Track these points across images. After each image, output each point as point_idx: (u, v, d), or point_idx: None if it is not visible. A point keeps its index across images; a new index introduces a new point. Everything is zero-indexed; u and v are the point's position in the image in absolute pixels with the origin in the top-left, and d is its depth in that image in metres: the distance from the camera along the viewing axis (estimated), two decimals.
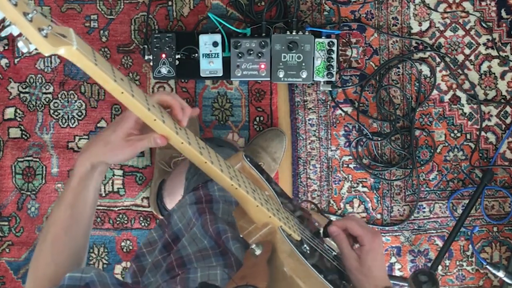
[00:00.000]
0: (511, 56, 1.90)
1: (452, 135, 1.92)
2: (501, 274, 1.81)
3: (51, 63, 1.89)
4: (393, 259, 1.94)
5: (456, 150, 1.92)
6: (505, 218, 1.93)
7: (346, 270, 1.03)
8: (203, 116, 1.90)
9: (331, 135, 1.91)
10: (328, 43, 1.79)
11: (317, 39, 1.79)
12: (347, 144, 1.91)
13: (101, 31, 1.88)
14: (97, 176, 0.94)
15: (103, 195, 1.90)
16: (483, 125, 1.91)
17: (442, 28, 1.90)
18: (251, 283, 0.81)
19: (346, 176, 1.92)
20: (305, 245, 0.97)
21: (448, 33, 1.90)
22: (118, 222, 1.91)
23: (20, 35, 0.74)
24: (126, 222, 1.91)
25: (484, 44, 1.90)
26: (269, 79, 1.80)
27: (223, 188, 0.94)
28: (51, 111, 1.90)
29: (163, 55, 1.77)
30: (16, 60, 1.89)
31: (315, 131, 1.91)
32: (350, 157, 1.91)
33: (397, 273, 1.95)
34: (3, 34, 0.75)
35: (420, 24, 1.90)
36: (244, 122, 1.90)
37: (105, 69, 0.81)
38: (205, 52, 1.76)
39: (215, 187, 1.16)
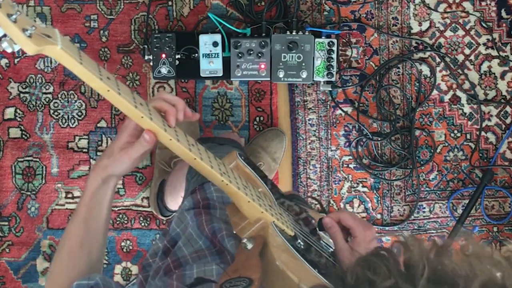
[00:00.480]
0: (511, 56, 1.90)
1: (452, 135, 1.92)
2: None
3: (51, 63, 1.89)
4: None
5: (456, 150, 1.92)
6: (505, 218, 1.93)
7: (340, 263, 1.03)
8: (203, 116, 1.90)
9: (331, 135, 1.91)
10: (328, 43, 1.79)
11: (317, 39, 1.79)
12: (347, 144, 1.91)
13: (101, 31, 1.88)
14: (109, 190, 0.96)
15: None
16: (483, 125, 1.91)
17: (442, 28, 1.90)
18: (244, 275, 0.81)
19: (346, 176, 1.92)
20: (299, 241, 0.97)
21: (448, 33, 1.90)
22: (118, 222, 1.91)
23: (5, 35, 0.76)
24: (126, 222, 1.91)
25: (484, 44, 1.90)
26: (269, 79, 1.80)
27: (216, 185, 0.95)
28: (51, 111, 1.90)
29: (163, 55, 1.77)
30: (16, 60, 1.89)
31: (315, 131, 1.91)
32: (350, 157, 1.91)
33: None
34: None
35: (420, 24, 1.90)
36: (244, 122, 1.90)
37: (91, 68, 0.82)
38: (205, 52, 1.76)
39: (211, 188, 1.17)
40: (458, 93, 1.91)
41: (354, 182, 1.92)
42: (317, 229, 1.08)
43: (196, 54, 1.78)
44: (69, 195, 1.90)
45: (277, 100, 1.90)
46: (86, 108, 1.90)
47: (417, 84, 1.90)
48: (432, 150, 1.91)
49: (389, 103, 1.91)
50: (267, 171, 1.84)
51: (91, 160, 1.90)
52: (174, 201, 1.81)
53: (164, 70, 1.78)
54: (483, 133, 1.91)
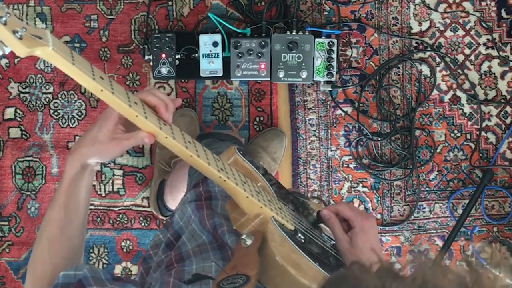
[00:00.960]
0: (511, 56, 1.90)
1: (452, 135, 1.92)
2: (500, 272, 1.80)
3: (51, 63, 1.89)
4: (393, 259, 1.94)
5: (456, 150, 1.92)
6: (505, 218, 1.93)
7: (340, 254, 1.03)
8: (203, 116, 1.90)
9: (331, 135, 1.91)
10: (328, 43, 1.79)
11: (317, 39, 1.79)
12: (347, 144, 1.91)
13: (101, 31, 1.88)
14: (88, 175, 0.95)
15: (103, 195, 1.90)
16: (483, 125, 1.91)
17: (442, 28, 1.90)
18: (242, 272, 0.81)
19: (346, 176, 1.92)
20: (299, 235, 0.97)
21: (448, 33, 1.90)
22: (118, 222, 1.91)
23: None
24: (126, 222, 1.91)
25: (484, 44, 1.90)
26: (269, 79, 1.80)
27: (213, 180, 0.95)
28: (51, 111, 1.90)
29: (163, 55, 1.77)
30: (16, 60, 1.89)
31: (315, 131, 1.91)
32: (350, 157, 1.91)
33: None
34: None
35: (420, 24, 1.90)
36: (244, 122, 1.90)
37: (84, 68, 0.82)
38: (205, 52, 1.76)
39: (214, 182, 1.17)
40: (458, 93, 1.91)
41: (354, 182, 1.92)
42: (316, 220, 1.09)
43: (196, 54, 1.78)
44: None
45: (277, 100, 1.90)
46: (86, 108, 1.90)
47: (417, 84, 1.90)
48: (432, 150, 1.91)
49: (389, 103, 1.91)
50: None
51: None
52: (174, 200, 1.81)
53: (164, 70, 1.78)
54: (483, 133, 1.91)
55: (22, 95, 1.89)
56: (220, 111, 1.90)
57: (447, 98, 1.91)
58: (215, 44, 1.76)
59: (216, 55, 1.76)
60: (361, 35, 1.89)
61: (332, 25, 1.87)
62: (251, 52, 1.76)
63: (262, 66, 1.78)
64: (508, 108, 1.91)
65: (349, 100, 1.91)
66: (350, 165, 1.92)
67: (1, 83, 1.89)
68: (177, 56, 1.77)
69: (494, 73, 1.91)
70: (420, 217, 1.93)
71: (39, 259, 0.94)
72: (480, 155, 1.92)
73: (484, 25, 1.89)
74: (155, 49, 1.77)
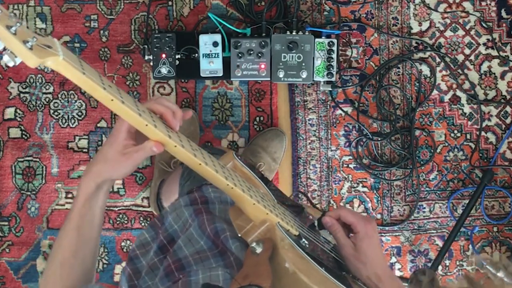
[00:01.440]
0: (511, 56, 1.90)
1: (452, 135, 1.92)
2: (501, 274, 1.80)
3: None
4: (393, 259, 1.94)
5: (456, 150, 1.92)
6: (505, 218, 1.93)
7: (344, 259, 1.03)
8: (203, 116, 1.90)
9: (331, 135, 1.91)
10: (328, 43, 1.79)
11: (317, 39, 1.79)
12: (347, 144, 1.91)
13: (101, 31, 1.88)
14: (103, 196, 0.94)
15: None
16: (483, 125, 1.91)
17: (442, 28, 1.90)
18: (255, 283, 0.80)
19: (346, 176, 1.92)
20: (303, 239, 0.97)
21: (448, 33, 1.90)
22: (118, 222, 1.91)
23: (5, 49, 0.73)
24: (126, 222, 1.91)
25: (484, 44, 1.90)
26: (269, 79, 1.80)
27: (219, 189, 0.93)
28: (51, 111, 1.90)
29: (163, 55, 1.77)
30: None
31: (315, 131, 1.91)
32: (350, 157, 1.91)
33: (397, 273, 1.95)
34: None
35: (420, 24, 1.90)
36: (244, 122, 1.90)
37: (94, 77, 0.80)
38: (205, 52, 1.76)
39: (209, 190, 1.16)
40: (458, 93, 1.91)
41: (354, 182, 1.92)
42: (317, 227, 1.08)
43: (196, 54, 1.78)
44: (69, 195, 1.90)
45: (277, 100, 1.90)
46: (86, 108, 1.90)
47: (417, 84, 1.90)
48: (432, 150, 1.91)
49: (389, 103, 1.91)
50: (267, 171, 1.84)
51: (91, 160, 1.90)
52: (171, 202, 1.81)
53: (164, 70, 1.78)
54: (483, 133, 1.91)
55: (22, 95, 1.89)
56: (220, 111, 1.90)
57: (447, 98, 1.91)
58: (215, 44, 1.76)
59: (216, 55, 1.76)
60: (361, 35, 1.89)
61: (332, 25, 1.87)
62: (251, 52, 1.76)
63: (262, 66, 1.78)
64: (508, 108, 1.91)
65: (349, 100, 1.91)
66: (350, 165, 1.92)
67: (1, 83, 1.89)
68: (177, 56, 1.77)
69: (494, 73, 1.91)
70: (420, 217, 1.93)
71: (50, 282, 0.93)
72: (480, 155, 1.92)
73: (484, 25, 1.89)
74: (155, 49, 1.77)
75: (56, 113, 1.90)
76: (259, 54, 1.76)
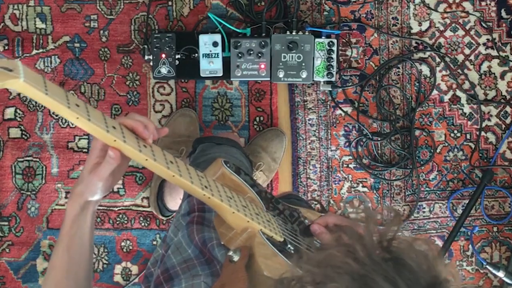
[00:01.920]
0: (511, 56, 1.90)
1: (452, 135, 1.92)
2: (501, 274, 1.81)
3: (51, 63, 1.89)
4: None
5: (456, 150, 1.92)
6: (505, 218, 1.93)
7: None
8: (203, 116, 1.90)
9: (331, 135, 1.91)
10: (328, 43, 1.79)
11: (317, 39, 1.79)
12: (347, 144, 1.91)
13: (101, 31, 1.88)
14: (89, 216, 0.94)
15: None
16: (483, 125, 1.91)
17: (442, 28, 1.90)
18: None
19: (346, 176, 1.92)
20: (289, 246, 0.96)
21: (448, 33, 1.90)
22: (118, 222, 1.91)
23: None
24: (126, 222, 1.91)
25: (484, 44, 1.90)
26: (269, 79, 1.80)
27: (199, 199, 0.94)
28: (51, 111, 1.90)
29: (163, 55, 1.77)
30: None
31: (315, 131, 1.91)
32: (350, 157, 1.91)
33: None
34: None
35: (420, 24, 1.90)
36: (244, 122, 1.90)
37: (57, 97, 0.80)
38: (205, 52, 1.76)
39: None
40: (458, 93, 1.91)
41: (354, 182, 1.92)
42: (308, 233, 1.08)
43: (196, 54, 1.78)
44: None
45: (277, 100, 1.90)
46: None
47: (417, 84, 1.90)
48: (432, 150, 1.91)
49: (389, 103, 1.91)
50: (267, 171, 1.84)
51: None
52: (174, 201, 1.81)
53: (164, 70, 1.78)
54: (483, 133, 1.91)
55: (22, 95, 1.89)
56: (220, 111, 1.90)
57: (447, 98, 1.91)
58: (215, 44, 1.76)
59: (216, 55, 1.76)
60: (361, 35, 1.89)
61: (332, 25, 1.87)
62: (251, 52, 1.76)
63: (262, 66, 1.78)
64: (508, 108, 1.91)
65: (349, 100, 1.91)
66: (350, 165, 1.92)
67: None
68: (177, 56, 1.77)
69: (494, 73, 1.91)
70: (420, 217, 1.93)
71: None
72: (480, 155, 1.92)
73: (484, 25, 1.89)
74: (155, 49, 1.77)
75: (56, 113, 1.89)
76: (259, 54, 1.76)
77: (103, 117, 0.86)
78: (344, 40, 1.89)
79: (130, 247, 1.91)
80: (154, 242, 1.90)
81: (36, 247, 1.90)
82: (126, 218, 1.91)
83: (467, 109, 1.91)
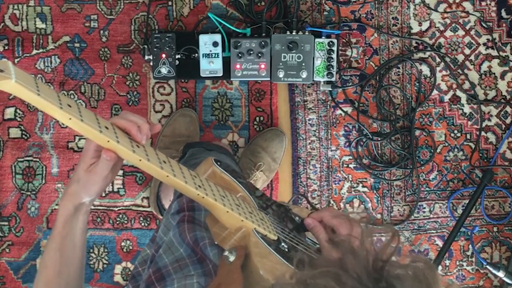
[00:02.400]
0: (511, 56, 1.90)
1: (452, 135, 1.92)
2: (501, 274, 1.81)
3: (51, 63, 1.89)
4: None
5: (456, 150, 1.92)
6: (505, 218, 1.93)
7: None
8: (203, 116, 1.90)
9: (331, 135, 1.91)
10: (328, 43, 1.79)
11: (317, 39, 1.79)
12: (347, 144, 1.91)
13: (101, 31, 1.88)
14: (82, 217, 0.94)
15: (103, 195, 1.90)
16: (483, 125, 1.91)
17: (442, 28, 1.90)
18: None
19: (346, 176, 1.92)
20: (283, 244, 0.96)
21: (448, 33, 1.90)
22: (118, 222, 1.91)
23: None
24: (126, 222, 1.91)
25: (484, 44, 1.90)
26: (269, 79, 1.80)
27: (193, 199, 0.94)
28: None
29: (163, 55, 1.77)
30: (16, 60, 1.89)
31: (315, 131, 1.91)
32: (350, 157, 1.91)
33: None
34: None
35: (420, 24, 1.90)
36: (244, 122, 1.90)
37: (50, 98, 0.80)
38: (205, 52, 1.76)
39: None
40: (458, 93, 1.91)
41: (354, 182, 1.92)
42: (301, 229, 1.08)
43: (196, 54, 1.78)
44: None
45: (277, 100, 1.90)
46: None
47: (417, 84, 1.90)
48: (432, 150, 1.91)
49: (389, 103, 1.91)
50: (267, 171, 1.84)
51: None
52: (168, 202, 1.81)
53: (164, 70, 1.78)
54: (483, 133, 1.91)
55: None
56: (220, 111, 1.90)
57: (447, 98, 1.91)
58: (215, 44, 1.76)
59: (216, 55, 1.76)
60: (361, 35, 1.89)
61: (332, 25, 1.87)
62: (251, 52, 1.76)
63: (262, 66, 1.78)
64: (508, 108, 1.91)
65: (349, 100, 1.91)
66: (350, 165, 1.92)
67: None
68: (177, 56, 1.77)
69: (494, 73, 1.91)
70: (420, 217, 1.93)
71: None
72: (480, 155, 1.92)
73: (484, 25, 1.89)
74: (155, 49, 1.77)
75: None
76: (259, 54, 1.76)
77: (96, 117, 0.86)
78: (344, 40, 1.89)
79: (130, 247, 1.91)
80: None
81: (36, 247, 1.90)
82: (126, 218, 1.91)
83: (467, 109, 1.91)
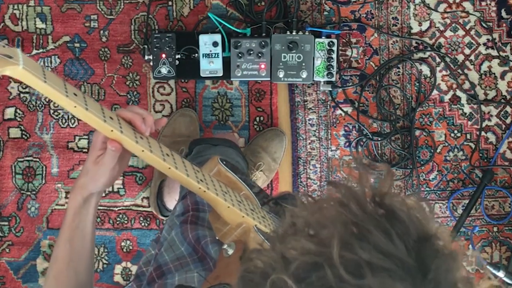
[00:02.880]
0: (511, 56, 1.90)
1: (452, 135, 1.92)
2: (501, 274, 1.81)
3: (51, 63, 1.89)
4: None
5: (456, 150, 1.92)
6: (505, 218, 1.93)
7: None
8: (203, 116, 1.90)
9: (331, 135, 1.91)
10: (328, 43, 1.79)
11: (317, 39, 1.79)
12: (347, 144, 1.91)
13: (101, 31, 1.88)
14: (91, 209, 0.95)
15: (103, 195, 1.90)
16: (483, 125, 1.91)
17: (442, 28, 1.90)
18: (224, 281, 0.82)
19: (346, 176, 1.91)
20: None
21: (448, 33, 1.90)
22: (118, 222, 1.91)
23: None
24: (126, 222, 1.91)
25: (484, 44, 1.90)
26: (269, 79, 1.80)
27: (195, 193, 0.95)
28: (51, 111, 1.90)
29: (163, 55, 1.77)
30: None
31: (315, 131, 1.91)
32: (350, 157, 1.91)
33: None
34: None
35: (420, 24, 1.90)
36: (244, 122, 1.90)
37: (56, 86, 0.81)
38: (205, 52, 1.76)
39: None
40: (458, 93, 1.91)
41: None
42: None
43: (196, 54, 1.78)
44: (69, 195, 1.90)
45: (277, 100, 1.90)
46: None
47: (417, 84, 1.90)
48: (432, 150, 1.91)
49: (389, 103, 1.91)
50: (267, 171, 1.84)
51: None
52: (173, 201, 1.81)
53: (164, 70, 1.78)
54: (483, 133, 1.91)
55: (22, 95, 1.89)
56: (220, 111, 1.90)
57: (447, 98, 1.91)
58: (215, 44, 1.76)
59: (216, 55, 1.76)
60: (361, 35, 1.89)
61: (332, 25, 1.87)
62: (251, 52, 1.76)
63: (262, 66, 1.78)
64: (508, 108, 1.91)
65: (349, 100, 1.91)
66: (350, 165, 1.92)
67: (1, 83, 1.89)
68: (177, 56, 1.77)
69: (494, 73, 1.91)
70: None
71: None
72: (480, 155, 1.92)
73: (484, 25, 1.89)
74: (155, 49, 1.77)
75: (56, 113, 1.90)
76: (259, 54, 1.76)
77: (101, 108, 0.87)
78: (344, 40, 1.89)
79: (130, 247, 1.91)
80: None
81: (36, 247, 1.90)
82: (126, 218, 1.91)
83: (467, 109, 1.91)
